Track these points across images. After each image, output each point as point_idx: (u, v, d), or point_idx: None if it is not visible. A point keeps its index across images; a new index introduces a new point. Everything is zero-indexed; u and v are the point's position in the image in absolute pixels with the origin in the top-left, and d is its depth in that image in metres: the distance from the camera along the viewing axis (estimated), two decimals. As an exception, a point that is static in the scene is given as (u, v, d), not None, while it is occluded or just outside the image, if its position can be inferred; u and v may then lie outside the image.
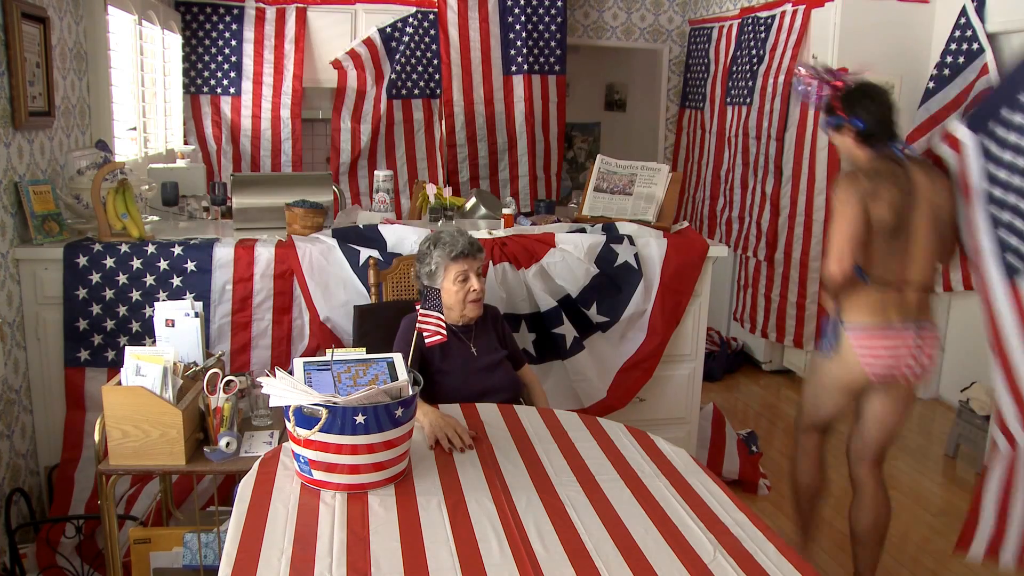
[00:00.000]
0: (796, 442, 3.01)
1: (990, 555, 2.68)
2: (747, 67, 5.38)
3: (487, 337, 2.72)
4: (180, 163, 4.53)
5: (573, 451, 2.14)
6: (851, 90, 2.71)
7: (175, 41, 5.11)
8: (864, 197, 2.52)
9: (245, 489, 1.89)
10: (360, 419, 1.82)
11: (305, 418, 1.83)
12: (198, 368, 2.47)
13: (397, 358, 2.07)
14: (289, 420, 1.85)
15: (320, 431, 1.81)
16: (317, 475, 1.87)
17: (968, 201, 2.62)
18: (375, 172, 4.13)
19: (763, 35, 5.24)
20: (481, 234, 3.29)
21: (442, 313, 2.34)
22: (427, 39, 5.61)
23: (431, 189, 3.91)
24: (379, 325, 2.85)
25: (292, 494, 1.87)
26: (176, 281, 3.10)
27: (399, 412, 1.87)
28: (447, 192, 3.98)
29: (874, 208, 2.51)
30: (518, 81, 5.79)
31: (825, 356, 2.73)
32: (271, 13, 5.41)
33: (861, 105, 2.65)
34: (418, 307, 2.43)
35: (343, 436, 1.83)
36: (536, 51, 5.79)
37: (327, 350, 2.08)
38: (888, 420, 2.73)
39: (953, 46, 4.23)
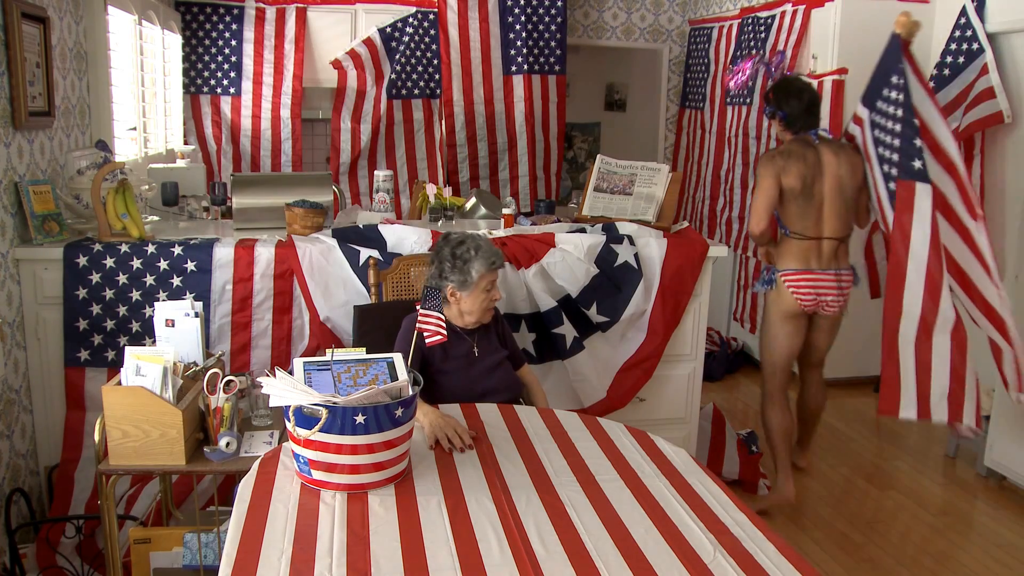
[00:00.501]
0: (764, 396, 3.59)
1: (923, 415, 3.09)
2: (747, 67, 5.38)
3: (489, 338, 2.72)
4: (180, 163, 4.53)
5: (573, 451, 2.14)
6: (780, 86, 3.41)
7: (175, 41, 5.11)
8: (777, 172, 3.28)
9: (245, 489, 1.89)
10: (360, 419, 1.82)
11: (305, 418, 1.83)
12: (198, 368, 2.47)
13: (397, 358, 2.07)
14: (289, 420, 1.85)
15: (320, 431, 1.81)
16: (317, 475, 1.87)
17: (869, 164, 3.32)
18: (375, 172, 4.13)
19: (763, 35, 5.24)
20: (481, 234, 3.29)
21: (443, 313, 2.34)
22: (427, 39, 5.61)
23: (431, 189, 3.91)
24: (379, 325, 2.85)
25: (292, 494, 1.87)
26: (176, 281, 3.10)
27: (399, 412, 1.87)
28: (447, 192, 3.98)
29: (785, 180, 3.28)
30: (518, 81, 5.79)
31: (760, 291, 3.56)
32: (271, 13, 5.41)
33: (787, 100, 3.37)
34: (418, 307, 2.45)
35: (343, 436, 1.83)
36: (536, 51, 5.79)
37: (327, 350, 2.08)
38: (820, 342, 3.61)
39: (953, 46, 4.23)
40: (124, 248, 3.08)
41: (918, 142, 3.03)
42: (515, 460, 2.08)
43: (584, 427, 2.30)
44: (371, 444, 1.84)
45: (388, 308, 2.97)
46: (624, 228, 3.40)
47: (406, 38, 5.53)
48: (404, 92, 5.63)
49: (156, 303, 2.59)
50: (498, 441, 2.19)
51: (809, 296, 3.37)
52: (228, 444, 2.33)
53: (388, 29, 5.51)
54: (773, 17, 5.16)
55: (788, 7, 4.99)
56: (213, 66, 5.42)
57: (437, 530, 1.72)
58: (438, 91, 5.72)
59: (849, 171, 3.32)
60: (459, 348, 2.64)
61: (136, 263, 3.08)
